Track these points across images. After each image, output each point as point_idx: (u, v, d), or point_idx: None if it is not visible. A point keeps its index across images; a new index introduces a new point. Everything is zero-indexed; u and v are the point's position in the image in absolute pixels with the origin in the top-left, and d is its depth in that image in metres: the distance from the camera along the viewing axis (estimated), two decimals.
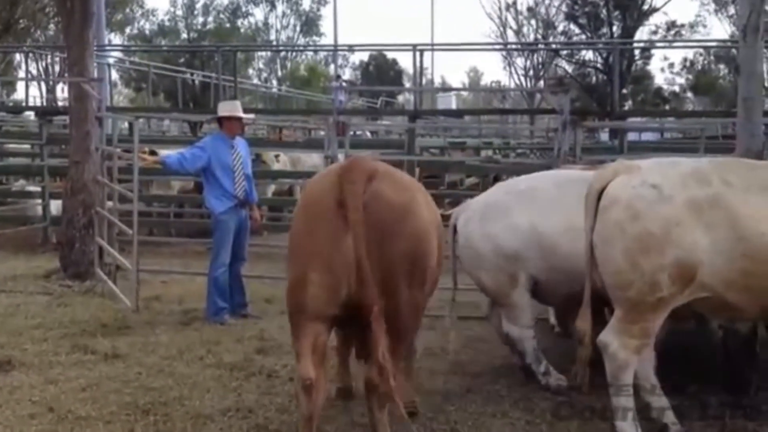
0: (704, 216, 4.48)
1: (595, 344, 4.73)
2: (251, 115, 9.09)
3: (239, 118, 8.22)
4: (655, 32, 40.53)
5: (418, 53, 17.45)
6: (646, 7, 39.79)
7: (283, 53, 50.97)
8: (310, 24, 52.43)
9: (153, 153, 10.19)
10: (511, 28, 44.75)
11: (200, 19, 49.74)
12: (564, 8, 42.06)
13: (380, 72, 48.61)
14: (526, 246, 5.78)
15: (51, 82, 26.36)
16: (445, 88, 39.84)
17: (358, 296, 4.23)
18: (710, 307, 4.72)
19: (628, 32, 38.25)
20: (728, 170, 4.67)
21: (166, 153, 8.54)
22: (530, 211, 5.84)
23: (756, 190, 4.54)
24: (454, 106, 29.82)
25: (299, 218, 4.56)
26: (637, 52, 37.78)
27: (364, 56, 50.91)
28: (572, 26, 41.97)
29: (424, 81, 24.72)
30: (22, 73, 30.53)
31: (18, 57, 32.74)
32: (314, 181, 4.72)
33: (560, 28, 42.99)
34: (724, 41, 33.72)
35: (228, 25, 49.93)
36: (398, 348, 4.41)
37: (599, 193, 4.77)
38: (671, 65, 43.20)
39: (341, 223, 4.23)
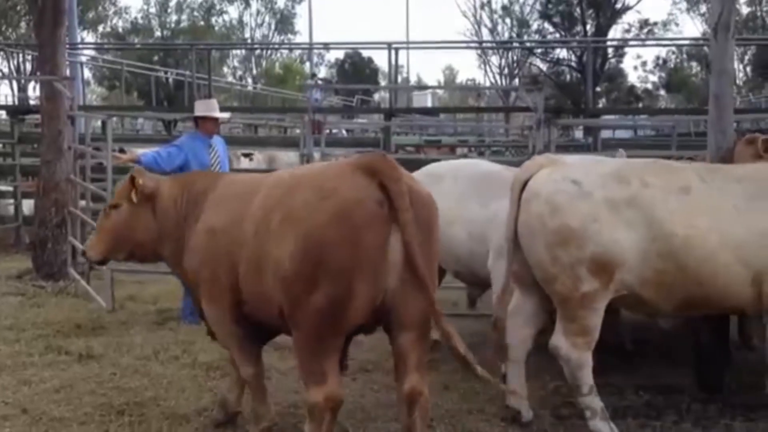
0: (621, 215, 4.61)
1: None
2: (227, 115, 9.02)
3: (215, 118, 8.16)
4: (628, 30, 40.77)
5: (393, 51, 17.48)
6: (619, 5, 40.03)
7: (258, 51, 50.73)
8: (284, 22, 52.26)
9: (122, 151, 10.11)
10: (485, 26, 44.86)
11: (174, 17, 49.43)
12: (538, 7, 42.23)
13: (356, 70, 48.49)
14: None
15: (22, 81, 26.09)
16: (421, 86, 39.84)
17: (392, 301, 4.03)
18: (627, 303, 4.89)
19: (602, 30, 38.41)
20: (648, 172, 4.79)
21: (142, 152, 8.48)
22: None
23: (673, 192, 4.66)
24: (429, 104, 29.89)
25: (329, 227, 3.93)
26: (610, 50, 37.96)
27: (340, 54, 50.83)
28: (546, 25, 42.10)
29: (399, 79, 24.71)
30: None
31: None
32: (329, 181, 4.12)
33: (534, 26, 43.14)
34: (695, 39, 34.09)
35: (202, 23, 49.62)
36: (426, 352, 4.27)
37: (523, 184, 4.88)
38: (644, 63, 43.60)
39: (386, 225, 3.93)
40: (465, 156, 15.59)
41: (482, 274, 6.12)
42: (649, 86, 44.06)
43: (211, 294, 4.64)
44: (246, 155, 14.58)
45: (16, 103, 22.88)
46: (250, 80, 46.89)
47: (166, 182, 5.12)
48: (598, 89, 34.39)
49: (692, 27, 47.97)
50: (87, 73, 29.40)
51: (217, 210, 4.65)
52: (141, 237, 5.06)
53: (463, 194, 6.24)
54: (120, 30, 47.17)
